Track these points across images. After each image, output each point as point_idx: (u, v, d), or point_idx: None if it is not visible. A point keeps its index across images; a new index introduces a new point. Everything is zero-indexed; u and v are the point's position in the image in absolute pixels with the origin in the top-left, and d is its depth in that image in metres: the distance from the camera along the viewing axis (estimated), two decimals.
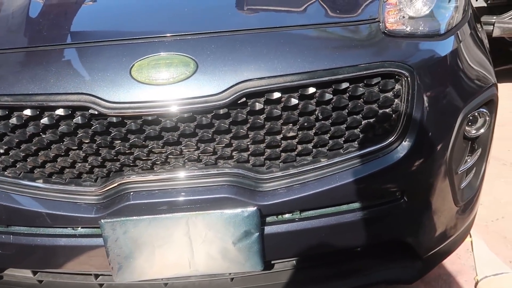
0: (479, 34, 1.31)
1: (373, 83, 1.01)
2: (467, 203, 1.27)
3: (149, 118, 0.95)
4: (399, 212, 1.09)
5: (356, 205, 1.08)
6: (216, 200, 1.00)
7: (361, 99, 1.01)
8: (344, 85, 0.99)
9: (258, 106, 0.96)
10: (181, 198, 1.00)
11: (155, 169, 1.02)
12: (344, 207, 1.08)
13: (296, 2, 1.07)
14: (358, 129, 1.04)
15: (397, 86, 1.02)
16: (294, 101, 0.97)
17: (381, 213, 1.08)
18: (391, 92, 1.03)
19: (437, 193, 1.13)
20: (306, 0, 1.08)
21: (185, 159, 1.01)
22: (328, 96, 0.98)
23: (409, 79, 1.01)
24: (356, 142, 1.05)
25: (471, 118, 1.20)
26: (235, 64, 0.94)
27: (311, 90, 0.97)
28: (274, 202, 1.02)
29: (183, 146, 0.99)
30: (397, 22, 1.08)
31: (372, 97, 1.01)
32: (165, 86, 0.93)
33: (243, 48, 0.96)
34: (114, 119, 0.96)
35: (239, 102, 0.95)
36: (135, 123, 0.96)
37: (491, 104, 1.22)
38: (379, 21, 1.04)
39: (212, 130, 0.98)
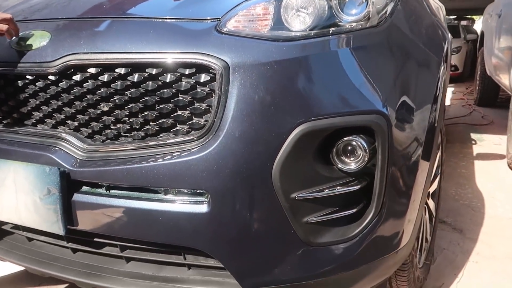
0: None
1: (186, 73, 1.01)
2: (328, 249, 1.07)
3: (12, 77, 1.17)
4: (204, 217, 1.01)
5: (159, 196, 1.05)
6: (41, 157, 1.12)
7: (173, 88, 1.02)
8: (156, 70, 1.02)
9: (80, 77, 1.08)
10: (17, 148, 1.16)
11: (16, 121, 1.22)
12: (151, 195, 1.06)
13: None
14: (171, 118, 1.04)
15: (212, 82, 1.00)
16: (108, 77, 1.05)
17: (184, 212, 1.02)
18: (206, 87, 1.01)
19: (255, 212, 1.00)
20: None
21: (35, 117, 1.18)
22: (138, 77, 1.03)
23: (223, 74, 0.98)
24: (170, 131, 1.05)
25: (340, 145, 1.05)
26: (71, 39, 1.09)
27: (124, 70, 1.04)
28: (82, 169, 1.08)
29: (31, 105, 1.16)
30: (255, 27, 1.06)
31: (182, 86, 1.01)
32: (26, 52, 1.14)
33: (82, 29, 1.11)
34: None
35: (68, 72, 1.09)
36: (1, 79, 1.18)
37: (376, 137, 1.04)
38: (219, 20, 1.05)
39: (48, 94, 1.12)
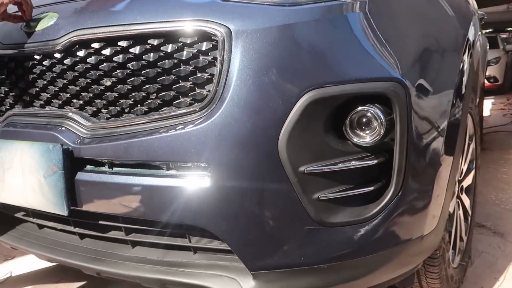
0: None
1: (188, 42, 0.97)
2: (343, 231, 0.98)
3: (21, 59, 1.17)
4: (206, 192, 0.94)
5: (162, 171, 1.00)
6: (46, 136, 1.10)
7: (175, 58, 0.98)
8: (158, 41, 0.99)
9: (84, 53, 1.06)
10: (25, 130, 1.15)
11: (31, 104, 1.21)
12: (153, 171, 1.01)
13: None
14: (173, 90, 1.00)
15: (215, 50, 0.95)
16: (111, 51, 1.03)
17: (186, 187, 0.96)
18: (208, 56, 0.96)
19: (260, 186, 0.93)
20: None
21: (43, 98, 1.17)
22: (140, 49, 1.00)
23: (225, 40, 0.93)
24: (173, 103, 1.00)
25: (354, 116, 0.97)
26: (77, 16, 1.09)
27: (126, 43, 1.01)
28: (85, 146, 1.05)
29: (40, 86, 1.16)
30: None
31: (183, 56, 0.97)
32: (34, 32, 1.14)
33: (88, 6, 1.10)
34: (6, 59, 1.21)
35: (73, 49, 1.08)
36: (12, 62, 1.19)
37: (394, 106, 0.96)
38: None
39: (55, 73, 1.11)
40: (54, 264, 1.86)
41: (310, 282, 0.98)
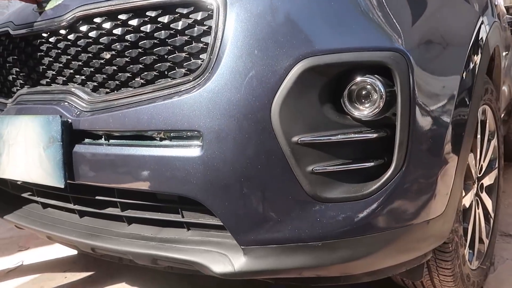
0: None
1: (184, 13, 0.97)
2: (339, 207, 0.93)
3: (31, 38, 1.21)
4: (196, 160, 0.92)
5: (155, 142, 0.99)
6: (48, 110, 1.12)
7: (171, 29, 0.98)
8: (155, 13, 1.00)
9: (86, 28, 1.08)
10: (31, 106, 1.18)
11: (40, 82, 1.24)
12: (147, 142, 1.00)
13: None
14: (169, 61, 0.99)
15: (210, 19, 0.95)
16: (111, 25, 1.04)
17: (177, 156, 0.94)
18: (204, 25, 0.96)
19: (252, 156, 0.90)
20: None
21: (50, 75, 1.19)
22: (138, 22, 1.01)
23: (219, 8, 0.93)
24: (169, 74, 1.00)
25: (352, 87, 0.94)
26: None
27: (125, 16, 1.03)
28: (83, 118, 1.06)
29: (47, 64, 1.19)
30: None
31: (180, 26, 0.97)
32: (43, 12, 1.18)
33: None
34: (18, 40, 1.26)
35: (77, 24, 1.10)
36: (23, 42, 1.23)
37: (394, 77, 0.91)
38: None
39: (60, 50, 1.14)
40: (63, 255, 1.87)
41: (303, 260, 0.93)
